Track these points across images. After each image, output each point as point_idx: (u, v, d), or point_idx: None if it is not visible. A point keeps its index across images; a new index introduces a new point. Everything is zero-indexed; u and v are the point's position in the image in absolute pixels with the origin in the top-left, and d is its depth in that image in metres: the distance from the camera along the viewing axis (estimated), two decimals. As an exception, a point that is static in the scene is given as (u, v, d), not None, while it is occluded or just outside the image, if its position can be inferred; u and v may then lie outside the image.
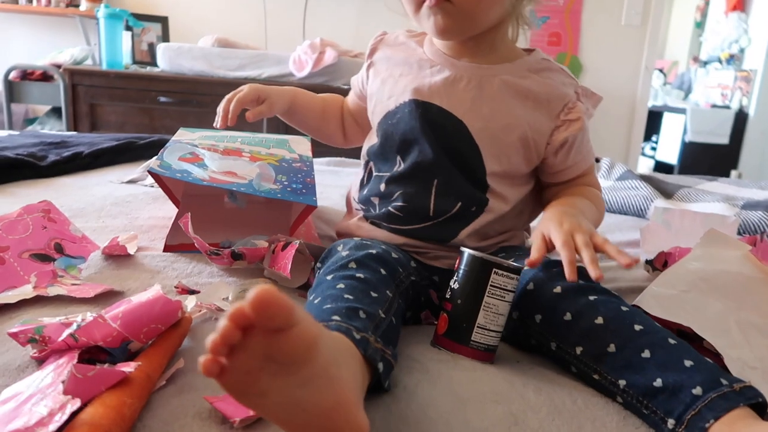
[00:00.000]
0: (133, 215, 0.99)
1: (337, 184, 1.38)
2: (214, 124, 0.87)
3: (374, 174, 0.80)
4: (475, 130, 0.73)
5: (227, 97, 0.87)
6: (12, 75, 2.34)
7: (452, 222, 0.75)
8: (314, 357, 0.38)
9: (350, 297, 0.55)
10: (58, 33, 2.73)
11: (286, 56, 2.30)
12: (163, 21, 2.69)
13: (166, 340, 0.53)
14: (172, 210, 0.97)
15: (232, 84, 2.30)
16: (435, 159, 0.73)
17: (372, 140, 0.82)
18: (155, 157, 0.87)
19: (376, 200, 0.78)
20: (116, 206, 1.03)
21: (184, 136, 1.00)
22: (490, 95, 0.74)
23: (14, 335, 0.52)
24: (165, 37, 2.68)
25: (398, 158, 0.76)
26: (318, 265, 0.70)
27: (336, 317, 0.50)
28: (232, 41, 2.45)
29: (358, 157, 0.84)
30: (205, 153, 0.90)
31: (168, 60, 2.33)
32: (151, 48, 2.65)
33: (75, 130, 2.26)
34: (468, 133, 0.73)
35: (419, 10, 0.72)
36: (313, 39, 2.30)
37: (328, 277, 0.60)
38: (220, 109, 0.86)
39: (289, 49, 2.44)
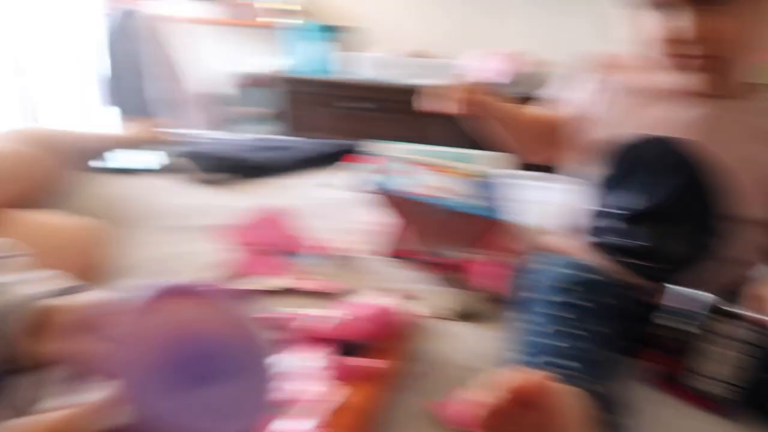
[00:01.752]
0: (350, 219, 1.06)
1: (537, 200, 1.37)
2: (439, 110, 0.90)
3: (605, 208, 0.78)
4: (726, 171, 0.69)
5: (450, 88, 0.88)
6: (236, 81, 2.72)
7: (683, 267, 0.71)
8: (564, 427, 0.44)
9: (565, 330, 0.57)
10: (265, 44, 3.07)
11: (479, 65, 2.36)
12: (362, 32, 2.91)
13: (399, 342, 0.59)
14: (386, 217, 1.05)
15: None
16: (680, 199, 0.70)
17: (591, 166, 0.80)
18: (374, 169, 0.97)
19: (608, 233, 0.76)
20: (336, 209, 1.12)
21: (391, 150, 1.09)
22: (741, 135, 0.70)
23: (272, 320, 0.62)
24: (364, 48, 2.89)
25: (634, 194, 0.74)
26: (529, 275, 0.70)
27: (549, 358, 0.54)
28: (427, 51, 2.59)
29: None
30: (413, 168, 0.98)
31: (368, 69, 2.55)
32: (353, 58, 2.87)
33: (289, 134, 2.54)
34: (719, 173, 0.69)
35: (678, 64, 0.70)
36: (504, 49, 2.33)
37: (546, 299, 0.62)
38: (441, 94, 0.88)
39: (481, 59, 2.49)
